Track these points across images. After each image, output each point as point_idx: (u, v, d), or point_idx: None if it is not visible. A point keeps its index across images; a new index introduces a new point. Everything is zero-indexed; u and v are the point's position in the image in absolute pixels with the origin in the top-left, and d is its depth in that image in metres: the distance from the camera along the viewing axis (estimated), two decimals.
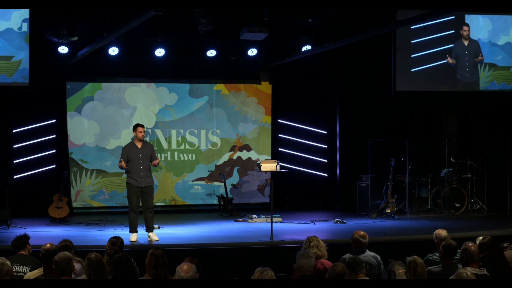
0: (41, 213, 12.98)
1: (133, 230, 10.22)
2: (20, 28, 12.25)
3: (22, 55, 12.29)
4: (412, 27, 13.31)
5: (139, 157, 10.22)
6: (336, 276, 5.65)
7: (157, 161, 10.34)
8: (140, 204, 10.40)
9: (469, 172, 14.16)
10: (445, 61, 14.11)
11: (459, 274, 5.45)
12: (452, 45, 14.15)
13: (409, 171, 13.65)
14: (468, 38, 14.19)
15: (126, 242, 7.45)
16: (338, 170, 15.11)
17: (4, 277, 5.67)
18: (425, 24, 10.72)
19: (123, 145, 12.45)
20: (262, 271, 5.47)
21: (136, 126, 10.36)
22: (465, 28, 14.14)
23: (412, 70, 13.92)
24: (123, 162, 10.08)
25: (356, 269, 5.90)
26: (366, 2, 9.48)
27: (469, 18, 14.16)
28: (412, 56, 13.92)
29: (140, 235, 10.40)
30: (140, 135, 10.26)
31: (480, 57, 14.22)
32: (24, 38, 12.27)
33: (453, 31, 14.09)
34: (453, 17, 13.58)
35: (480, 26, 14.24)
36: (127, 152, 10.23)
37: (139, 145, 10.29)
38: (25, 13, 12.20)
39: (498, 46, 14.37)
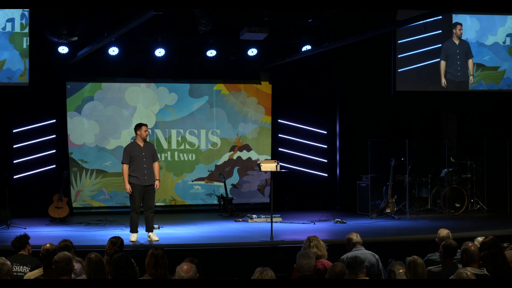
0: (41, 213, 12.97)
1: (134, 230, 10.22)
2: (4, 28, 12.25)
3: (6, 55, 12.30)
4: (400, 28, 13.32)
5: (142, 155, 10.25)
6: (335, 276, 5.66)
7: (158, 185, 10.38)
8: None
9: (469, 172, 14.16)
10: (435, 60, 14.13)
11: (459, 274, 5.46)
12: (440, 45, 14.14)
13: (409, 171, 13.65)
14: (460, 37, 14.20)
15: (126, 242, 7.45)
16: (338, 170, 15.11)
17: (4, 277, 5.67)
18: (425, 21, 10.74)
19: (123, 146, 12.49)
20: (262, 271, 5.47)
21: (141, 125, 10.36)
22: (459, 27, 14.15)
23: (399, 70, 13.93)
24: (128, 186, 10.11)
25: (357, 269, 5.90)
26: (366, 2, 9.48)
27: (456, 18, 14.16)
28: (399, 56, 13.95)
29: (140, 235, 10.40)
30: (145, 134, 10.31)
31: (472, 77, 14.26)
32: (8, 38, 12.27)
33: (440, 31, 14.05)
34: (441, 17, 13.55)
35: (467, 26, 14.21)
36: (130, 152, 10.25)
37: (141, 144, 10.32)
38: (9, 13, 12.20)
39: (486, 46, 14.36)
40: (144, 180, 10.20)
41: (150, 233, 10.26)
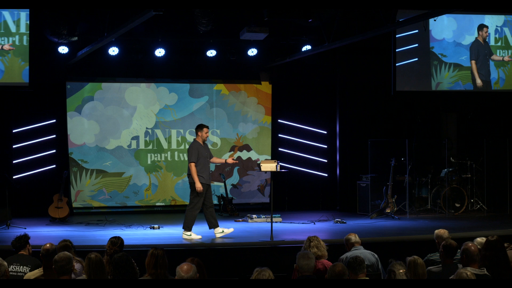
0: (41, 213, 12.97)
1: (191, 228, 10.33)
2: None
3: None
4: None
5: (206, 155, 10.49)
6: (336, 276, 5.66)
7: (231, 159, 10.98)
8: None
9: (469, 172, 14.15)
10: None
11: (459, 274, 5.46)
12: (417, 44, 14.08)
13: (409, 171, 13.65)
14: (485, 39, 14.15)
15: (126, 242, 7.45)
16: (338, 170, 15.11)
17: (1, 277, 5.68)
18: (424, 20, 10.72)
19: (123, 146, 12.46)
20: (260, 271, 5.48)
21: (202, 127, 10.57)
22: (485, 29, 14.10)
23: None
24: (199, 185, 10.23)
25: (357, 269, 5.91)
26: (366, 2, 9.48)
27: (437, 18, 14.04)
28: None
29: (139, 235, 10.40)
30: (205, 135, 10.54)
31: (506, 57, 14.19)
32: None
33: (417, 30, 13.92)
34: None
35: (444, 26, 13.98)
36: (198, 151, 10.40)
37: (202, 144, 10.53)
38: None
39: (463, 46, 14.17)
40: (208, 179, 10.46)
41: (220, 228, 10.42)
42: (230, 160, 10.91)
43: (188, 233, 10.27)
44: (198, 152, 10.37)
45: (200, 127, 10.56)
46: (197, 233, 10.37)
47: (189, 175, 10.41)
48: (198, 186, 10.24)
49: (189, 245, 9.88)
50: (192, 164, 10.31)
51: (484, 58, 14.23)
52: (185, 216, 10.38)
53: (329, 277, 5.71)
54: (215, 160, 10.92)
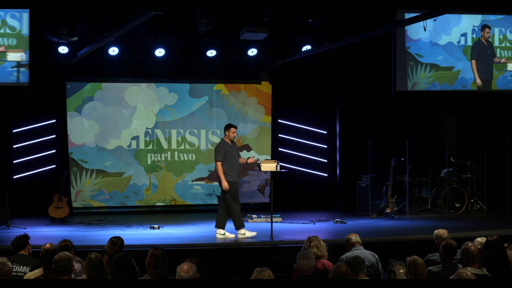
0: (41, 213, 12.96)
1: (243, 224, 10.47)
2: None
3: None
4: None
5: (234, 154, 10.57)
6: (340, 277, 5.65)
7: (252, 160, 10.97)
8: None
9: (469, 172, 14.15)
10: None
11: (459, 274, 5.46)
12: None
13: (409, 171, 13.65)
14: (487, 40, 14.13)
15: (126, 242, 7.45)
16: (338, 170, 15.11)
17: (3, 277, 5.68)
18: (425, 21, 10.72)
19: (123, 146, 12.43)
20: (260, 271, 5.48)
21: (230, 127, 10.66)
22: (487, 30, 14.08)
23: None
24: (226, 183, 10.34)
25: (357, 269, 5.91)
26: (366, 2, 9.49)
27: (409, 17, 13.99)
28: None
29: (139, 235, 10.38)
30: (232, 135, 10.62)
31: (503, 59, 14.19)
32: None
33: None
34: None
35: (420, 26, 13.69)
36: (225, 150, 10.45)
37: (230, 143, 10.60)
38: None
39: (440, 46, 14.04)
40: (237, 178, 10.57)
41: (223, 230, 10.49)
42: (250, 160, 10.94)
43: (242, 231, 10.39)
44: (225, 151, 10.45)
45: (227, 127, 10.67)
46: (194, 230, 10.38)
47: (217, 176, 10.51)
48: (224, 184, 10.35)
49: (189, 245, 9.87)
50: (218, 163, 10.42)
51: (486, 58, 14.19)
52: (232, 217, 10.47)
53: (333, 277, 5.70)
54: (240, 160, 10.93)
